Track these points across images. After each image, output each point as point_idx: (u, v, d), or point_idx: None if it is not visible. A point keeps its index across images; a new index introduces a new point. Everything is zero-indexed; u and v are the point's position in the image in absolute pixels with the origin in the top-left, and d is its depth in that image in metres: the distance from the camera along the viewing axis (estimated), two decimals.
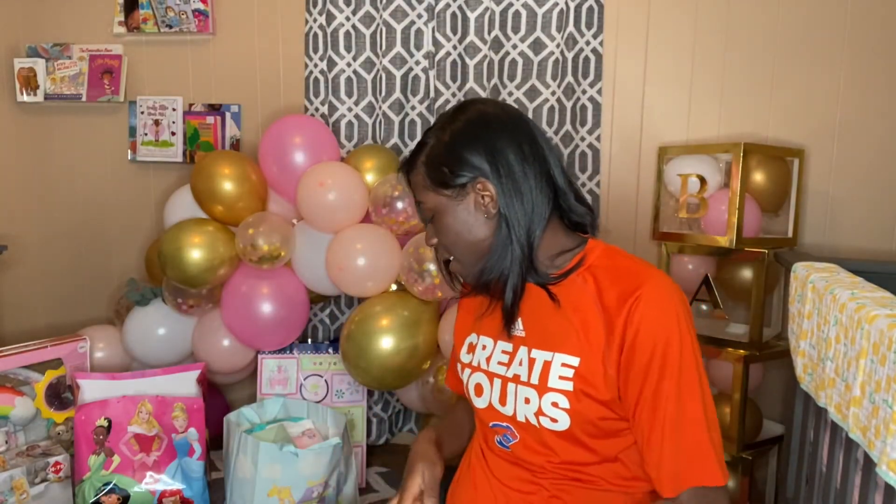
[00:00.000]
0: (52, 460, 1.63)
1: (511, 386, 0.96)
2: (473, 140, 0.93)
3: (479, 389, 1.01)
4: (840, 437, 1.11)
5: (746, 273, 1.87)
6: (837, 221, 1.97)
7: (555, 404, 0.90)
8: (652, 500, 0.95)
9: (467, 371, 1.04)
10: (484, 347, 1.02)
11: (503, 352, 0.99)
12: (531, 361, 0.94)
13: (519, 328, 0.98)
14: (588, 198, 2.12)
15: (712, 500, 0.85)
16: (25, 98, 2.41)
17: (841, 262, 1.37)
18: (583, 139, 2.12)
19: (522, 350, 0.96)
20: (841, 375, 1.04)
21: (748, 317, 1.80)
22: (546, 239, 0.95)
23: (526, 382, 0.94)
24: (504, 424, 0.98)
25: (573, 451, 0.92)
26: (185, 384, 1.75)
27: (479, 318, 1.05)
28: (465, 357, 1.05)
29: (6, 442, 1.70)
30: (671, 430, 0.85)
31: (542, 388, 0.92)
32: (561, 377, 0.90)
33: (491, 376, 0.99)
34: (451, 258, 0.99)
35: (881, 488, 0.93)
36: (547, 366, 0.92)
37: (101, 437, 1.63)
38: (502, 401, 0.97)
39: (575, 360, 0.90)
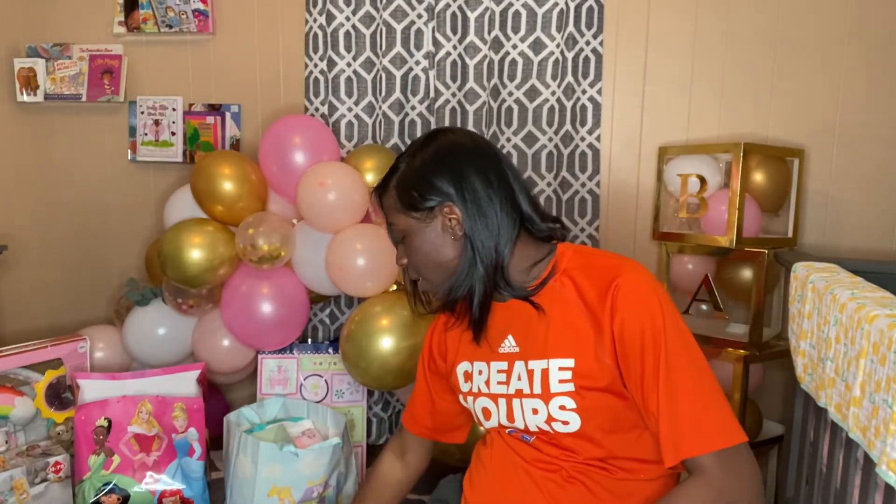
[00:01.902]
0: (52, 460, 1.63)
1: (516, 402, 0.98)
2: (441, 166, 0.98)
3: (486, 413, 1.04)
4: (840, 437, 1.11)
5: (746, 273, 1.87)
6: (837, 221, 1.97)
7: (562, 407, 0.93)
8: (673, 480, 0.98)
9: (470, 399, 1.07)
10: (480, 373, 1.05)
11: (499, 371, 1.02)
12: (529, 373, 0.97)
13: (512, 345, 1.01)
14: (588, 199, 2.12)
15: (733, 459, 0.86)
16: (25, 98, 2.41)
17: (841, 262, 1.38)
18: (583, 139, 2.12)
19: (519, 364, 0.99)
20: (841, 375, 1.04)
21: (748, 317, 1.80)
22: (516, 255, 1.00)
23: (529, 394, 0.96)
24: (519, 430, 1.01)
25: (592, 450, 0.95)
26: (185, 384, 1.75)
27: (462, 345, 1.09)
28: (464, 386, 1.08)
29: (6, 442, 1.70)
30: (668, 408, 0.87)
31: (546, 396, 0.94)
32: (561, 381, 0.93)
33: (495, 398, 1.02)
34: (420, 278, 1.05)
35: (881, 488, 0.93)
36: (545, 373, 0.95)
37: (101, 437, 1.63)
38: (510, 418, 1.00)
39: (570, 362, 0.93)
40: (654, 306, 0.89)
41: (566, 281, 0.97)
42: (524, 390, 0.97)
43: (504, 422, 1.01)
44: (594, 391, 0.92)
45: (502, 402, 1.00)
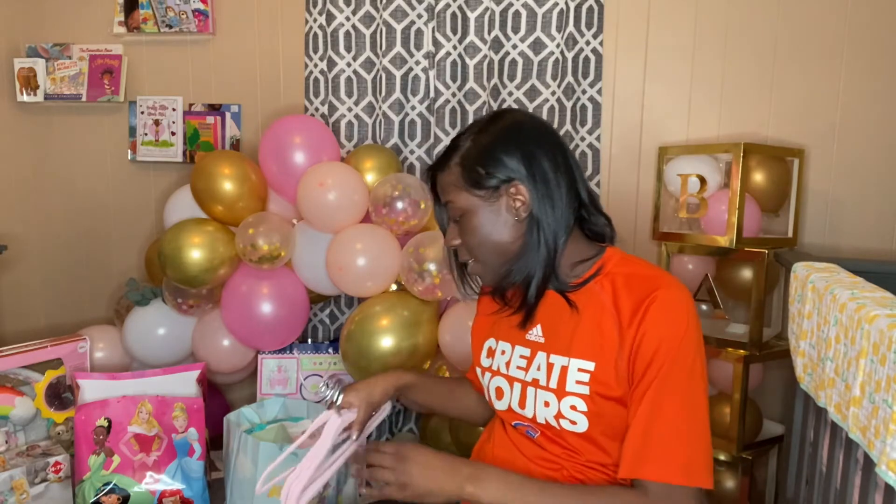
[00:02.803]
0: (52, 460, 1.63)
1: (531, 390, 0.99)
2: (511, 144, 0.95)
3: (499, 393, 1.04)
4: (840, 437, 1.11)
5: (746, 273, 1.87)
6: (837, 221, 1.97)
7: (573, 407, 0.93)
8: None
9: (487, 375, 1.07)
10: (503, 352, 1.05)
11: (521, 356, 1.02)
12: (549, 366, 0.97)
13: (538, 334, 1.01)
14: None
15: (676, 498, 0.87)
16: (25, 98, 2.41)
17: (841, 262, 1.38)
18: (583, 139, 2.12)
19: (541, 355, 0.99)
20: (841, 375, 1.04)
21: (748, 317, 1.80)
22: (568, 247, 0.98)
23: (545, 387, 0.97)
24: (525, 423, 1.01)
25: (594, 452, 0.95)
26: (185, 384, 1.75)
27: (496, 322, 1.08)
28: (485, 361, 1.09)
29: (6, 442, 1.70)
30: (644, 421, 0.88)
31: (560, 392, 0.95)
32: (577, 381, 0.93)
33: (511, 380, 1.02)
34: (472, 260, 1.01)
35: (881, 488, 0.93)
36: (564, 371, 0.95)
37: (101, 437, 1.63)
38: (522, 404, 1.00)
39: (590, 365, 0.93)
40: (681, 328, 0.88)
41: (606, 285, 0.96)
42: (540, 381, 0.97)
43: (515, 407, 1.01)
44: (607, 399, 0.92)
45: (517, 386, 1.01)
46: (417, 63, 2.14)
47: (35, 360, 1.77)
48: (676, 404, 0.87)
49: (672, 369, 0.87)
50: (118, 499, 1.64)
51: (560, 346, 0.97)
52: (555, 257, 0.96)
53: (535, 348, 1.00)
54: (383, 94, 2.17)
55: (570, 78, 2.10)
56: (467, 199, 0.97)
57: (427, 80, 2.15)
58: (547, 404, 0.96)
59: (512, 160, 0.94)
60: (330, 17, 2.16)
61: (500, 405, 1.04)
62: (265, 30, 2.31)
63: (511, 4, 2.08)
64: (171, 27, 2.32)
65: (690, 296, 0.93)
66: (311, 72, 2.25)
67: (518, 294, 1.01)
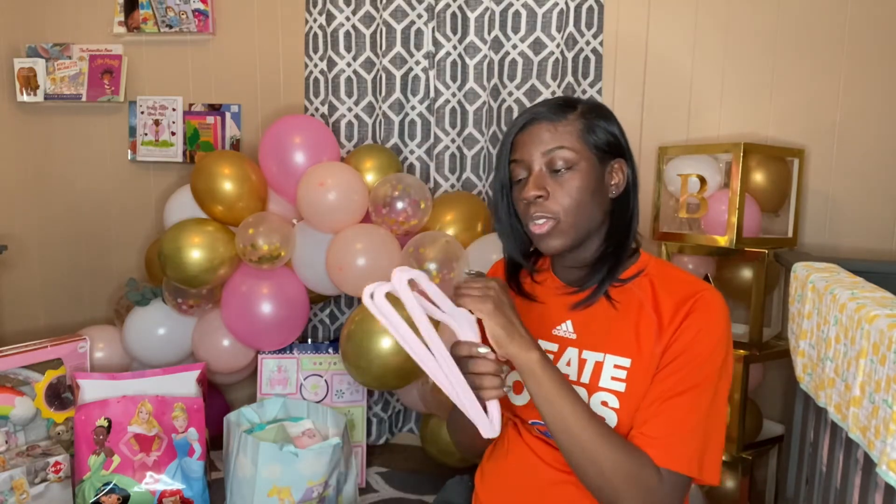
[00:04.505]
0: (52, 460, 1.63)
1: None
2: (615, 122, 0.97)
3: (517, 387, 1.02)
4: (840, 437, 1.11)
5: (746, 273, 1.87)
6: (837, 221, 1.97)
7: (604, 403, 0.92)
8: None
9: (505, 368, 1.04)
10: None
11: (547, 351, 0.99)
12: (581, 362, 0.96)
13: (568, 330, 0.99)
14: None
15: (676, 484, 0.87)
16: (25, 98, 2.41)
17: (841, 262, 1.38)
18: None
19: (571, 351, 0.98)
20: (841, 375, 1.04)
21: (748, 317, 1.80)
22: None
23: (575, 381, 0.95)
24: (543, 422, 0.99)
25: None
26: (185, 384, 1.75)
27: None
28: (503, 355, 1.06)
29: (6, 442, 1.70)
30: (667, 407, 0.87)
31: (592, 388, 0.94)
32: (613, 378, 0.93)
33: None
34: (552, 222, 0.94)
35: (881, 488, 0.93)
36: (598, 366, 0.94)
37: (101, 437, 1.63)
38: None
39: (626, 362, 0.92)
40: (720, 329, 0.90)
41: (647, 285, 0.97)
42: (570, 376, 0.96)
43: None
44: (641, 396, 0.91)
45: None
46: (417, 63, 2.14)
47: (35, 360, 1.77)
48: (701, 406, 0.88)
49: (702, 371, 0.88)
50: (118, 499, 1.64)
51: (594, 343, 0.96)
52: (631, 241, 0.98)
53: (564, 344, 0.99)
54: (383, 94, 2.17)
55: (570, 78, 2.10)
56: (584, 153, 0.93)
57: (427, 80, 2.15)
58: None
59: (621, 137, 0.97)
60: (330, 17, 2.16)
61: (518, 400, 1.02)
62: (265, 30, 2.31)
63: (511, 4, 2.08)
64: (171, 27, 2.32)
65: (726, 303, 0.94)
66: (311, 72, 2.25)
67: (589, 269, 1.00)
